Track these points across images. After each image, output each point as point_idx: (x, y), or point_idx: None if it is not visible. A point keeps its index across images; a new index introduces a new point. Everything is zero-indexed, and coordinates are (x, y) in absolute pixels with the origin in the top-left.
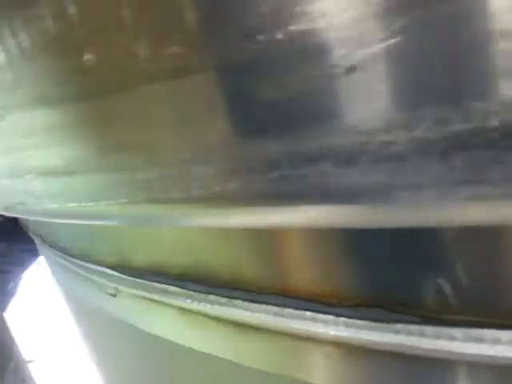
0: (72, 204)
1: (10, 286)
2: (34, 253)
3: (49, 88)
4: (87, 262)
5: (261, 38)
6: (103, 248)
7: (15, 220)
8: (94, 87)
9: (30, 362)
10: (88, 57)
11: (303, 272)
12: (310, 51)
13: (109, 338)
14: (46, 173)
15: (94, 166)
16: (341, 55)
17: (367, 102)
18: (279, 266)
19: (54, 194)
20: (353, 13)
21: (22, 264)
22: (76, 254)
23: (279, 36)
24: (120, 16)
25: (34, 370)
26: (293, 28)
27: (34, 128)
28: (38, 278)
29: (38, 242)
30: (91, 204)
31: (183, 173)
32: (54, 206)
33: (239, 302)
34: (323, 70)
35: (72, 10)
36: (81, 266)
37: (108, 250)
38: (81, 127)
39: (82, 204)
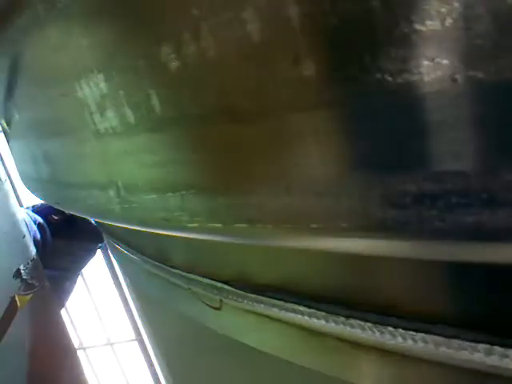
0: (240, 225)
1: (68, 283)
2: (91, 252)
3: (227, 101)
4: (191, 272)
5: None
6: (216, 261)
7: (74, 219)
8: (284, 102)
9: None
10: (292, 67)
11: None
12: None
13: (199, 348)
14: (209, 190)
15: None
16: None
17: None
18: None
19: (216, 212)
20: None
21: (80, 262)
22: (177, 264)
23: None
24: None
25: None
26: None
27: (200, 143)
28: (94, 276)
29: (121, 247)
30: (259, 226)
31: (326, 200)
32: (217, 225)
33: (390, 329)
34: None
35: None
36: (178, 276)
37: (223, 263)
38: (253, 146)
39: (254, 225)
